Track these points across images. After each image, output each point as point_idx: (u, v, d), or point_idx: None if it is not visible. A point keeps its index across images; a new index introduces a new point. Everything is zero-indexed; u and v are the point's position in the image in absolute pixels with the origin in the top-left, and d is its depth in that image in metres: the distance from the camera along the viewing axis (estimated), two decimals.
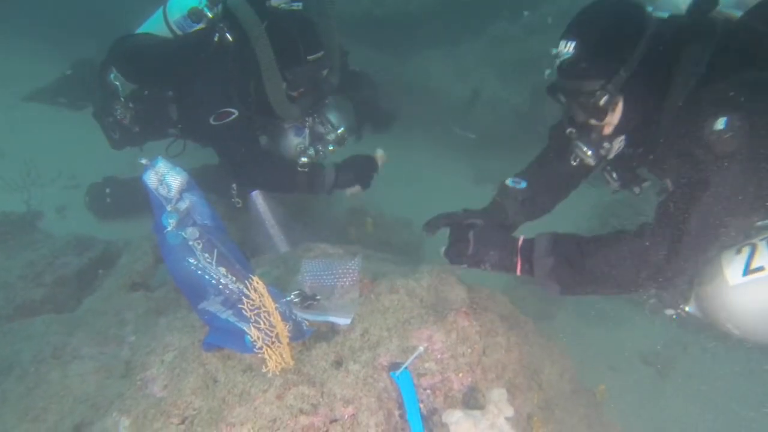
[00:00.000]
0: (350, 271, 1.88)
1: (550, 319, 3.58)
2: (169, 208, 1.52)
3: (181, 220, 1.52)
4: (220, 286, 1.51)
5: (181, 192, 1.55)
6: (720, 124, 1.44)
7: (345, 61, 3.12)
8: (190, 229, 1.52)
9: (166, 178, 1.54)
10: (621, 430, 2.16)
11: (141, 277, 2.82)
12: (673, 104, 1.62)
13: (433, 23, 5.15)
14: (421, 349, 1.57)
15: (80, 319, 2.67)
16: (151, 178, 1.55)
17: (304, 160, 2.90)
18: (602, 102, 1.65)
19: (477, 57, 5.24)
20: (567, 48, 1.65)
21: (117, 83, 3.03)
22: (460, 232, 1.91)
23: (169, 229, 1.50)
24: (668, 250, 1.56)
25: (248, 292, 1.44)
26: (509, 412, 1.37)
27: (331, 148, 3.05)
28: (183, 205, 1.53)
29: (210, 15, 2.70)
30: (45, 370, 2.26)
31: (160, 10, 2.98)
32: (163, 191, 1.53)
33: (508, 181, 2.14)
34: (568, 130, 1.84)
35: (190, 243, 1.51)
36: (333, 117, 3.13)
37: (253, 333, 1.43)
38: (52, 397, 2.11)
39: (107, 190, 4.16)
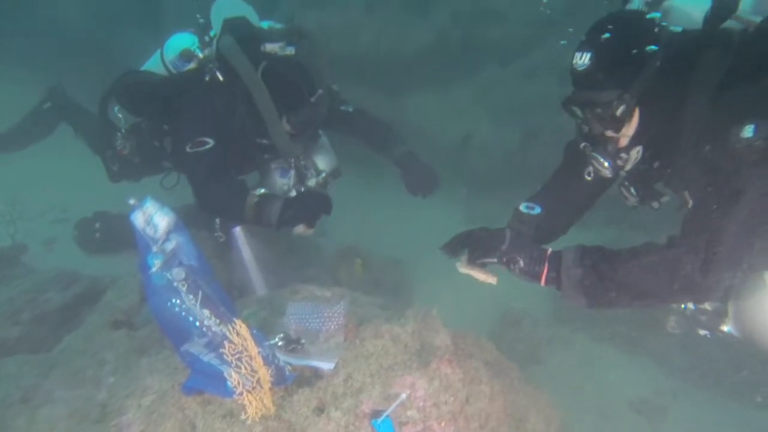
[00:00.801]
0: (336, 315, 1.87)
1: (539, 364, 3.54)
2: (155, 248, 1.52)
3: (167, 261, 1.52)
4: (204, 329, 1.50)
5: (168, 232, 1.55)
6: (748, 131, 1.41)
7: (338, 98, 3.25)
8: (175, 270, 1.52)
9: (153, 218, 1.55)
10: None
11: (125, 315, 2.77)
12: (692, 113, 1.61)
13: (426, 66, 5.30)
14: (404, 396, 1.55)
15: (56, 359, 2.60)
16: (138, 218, 1.56)
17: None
18: (619, 112, 1.65)
19: (469, 100, 5.38)
20: (582, 59, 1.66)
21: (120, 116, 3.17)
22: (493, 230, 1.86)
23: (155, 269, 1.50)
24: (703, 261, 1.50)
25: (231, 336, 1.43)
26: None
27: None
28: (169, 246, 1.53)
29: (201, 56, 2.83)
30: (11, 415, 2.17)
31: (157, 51, 3.10)
32: (150, 231, 1.54)
33: (522, 207, 2.10)
34: (583, 145, 1.83)
35: (175, 284, 1.50)
36: (318, 160, 3.20)
37: (233, 377, 1.41)
38: None
39: (97, 225, 4.15)
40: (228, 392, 1.48)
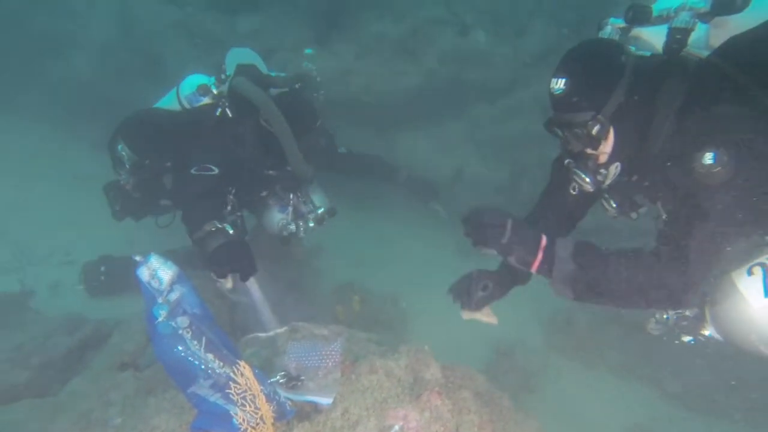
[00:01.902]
0: (333, 352, 2.00)
1: (532, 393, 3.62)
2: (160, 299, 1.66)
3: (171, 311, 1.65)
4: (209, 371, 1.62)
5: (172, 284, 1.69)
6: (708, 158, 1.55)
7: (332, 140, 3.58)
8: (180, 319, 1.65)
9: (157, 272, 1.68)
10: None
11: (131, 357, 2.87)
12: (660, 134, 1.76)
13: (416, 106, 5.54)
14: (397, 428, 1.66)
15: (63, 402, 2.67)
16: (144, 273, 1.69)
17: (285, 234, 3.23)
18: (594, 131, 1.77)
19: (458, 137, 5.60)
20: (558, 84, 1.78)
21: (123, 153, 3.35)
22: (497, 216, 1.90)
23: (160, 319, 1.63)
24: (678, 273, 1.64)
25: (235, 377, 1.56)
26: None
27: (311, 224, 3.32)
28: (173, 296, 1.67)
29: (215, 91, 3.12)
30: None
31: (175, 88, 3.37)
32: (155, 284, 1.67)
33: None
34: (567, 161, 1.95)
35: (180, 332, 1.63)
36: (316, 198, 3.42)
37: (239, 415, 1.53)
38: None
39: (102, 268, 4.28)
40: (234, 429, 1.60)
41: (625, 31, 1.98)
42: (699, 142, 1.60)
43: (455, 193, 5.53)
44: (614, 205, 2.02)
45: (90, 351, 3.23)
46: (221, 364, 1.62)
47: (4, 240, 4.87)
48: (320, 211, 3.36)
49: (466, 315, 2.14)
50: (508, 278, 2.23)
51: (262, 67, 3.40)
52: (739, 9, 1.69)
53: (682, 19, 1.76)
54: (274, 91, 3.18)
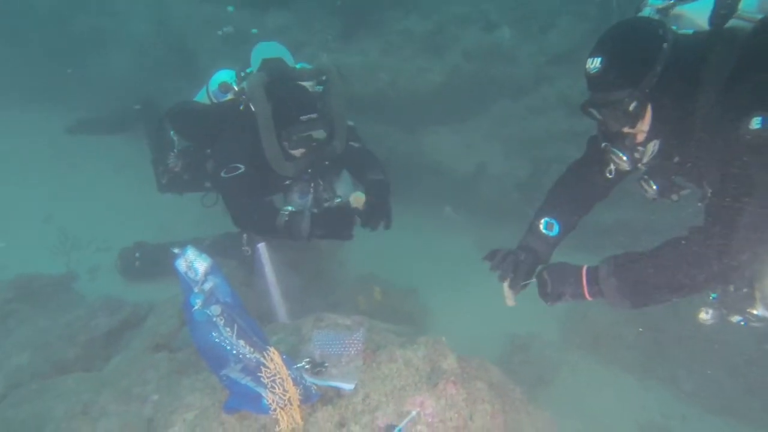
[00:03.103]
0: (355, 341, 2.13)
1: (546, 386, 3.70)
2: (196, 289, 1.81)
3: (206, 300, 1.80)
4: (240, 356, 1.77)
5: (206, 275, 1.83)
6: (756, 123, 1.45)
7: (354, 134, 3.46)
8: (213, 307, 1.80)
9: (193, 264, 1.83)
10: None
11: (165, 339, 3.07)
12: (704, 107, 1.67)
13: (441, 103, 5.61)
14: (414, 413, 1.79)
15: (107, 378, 2.89)
16: (181, 265, 1.84)
17: None
18: (631, 108, 1.74)
19: (482, 134, 5.65)
20: (594, 64, 1.77)
21: (174, 138, 3.63)
22: (538, 275, 2.02)
23: (196, 308, 1.78)
24: (718, 248, 1.59)
25: (265, 361, 1.70)
26: None
27: None
28: (207, 286, 1.82)
29: (236, 88, 3.21)
30: (76, 425, 2.48)
31: (205, 85, 3.58)
32: (191, 275, 1.82)
33: (542, 226, 2.22)
34: (604, 145, 1.93)
35: (214, 319, 1.78)
36: (340, 186, 3.48)
37: (268, 397, 1.68)
38: None
39: (137, 254, 4.51)
40: (264, 409, 1.75)
41: (664, 11, 1.90)
42: (746, 107, 1.51)
43: (478, 188, 5.60)
44: (655, 187, 1.97)
45: (128, 331, 3.45)
46: (252, 349, 1.77)
47: (51, 225, 5.17)
48: (338, 200, 3.38)
49: (508, 294, 2.19)
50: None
51: (290, 60, 3.41)
52: None
53: None
54: (303, 85, 3.22)
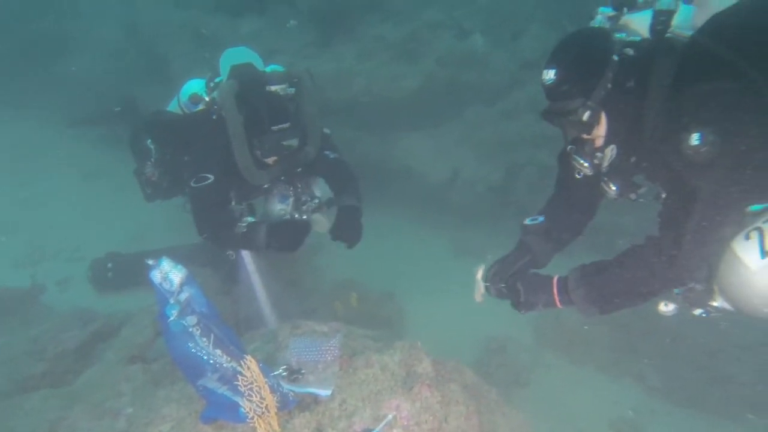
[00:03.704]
0: (332, 348, 2.15)
1: (522, 387, 3.78)
2: (171, 300, 1.80)
3: (181, 310, 1.79)
4: (217, 365, 1.77)
5: (182, 285, 1.83)
6: (695, 139, 1.56)
7: (329, 142, 3.48)
8: (189, 317, 1.79)
9: (169, 274, 1.82)
10: None
11: (140, 350, 3.02)
12: (650, 116, 1.77)
13: (414, 108, 5.67)
14: (390, 417, 1.81)
15: (78, 392, 2.82)
16: (156, 276, 1.83)
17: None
18: (585, 117, 1.83)
19: (455, 139, 5.73)
20: (548, 75, 1.86)
21: (151, 147, 3.61)
22: (510, 283, 2.12)
23: (172, 318, 1.77)
24: (669, 259, 1.73)
25: (242, 370, 1.71)
26: None
27: (306, 217, 3.40)
28: (183, 297, 1.81)
29: (206, 99, 3.21)
30: None
31: (176, 95, 3.57)
32: (166, 286, 1.81)
33: (527, 221, 2.33)
34: (569, 148, 2.02)
35: (190, 329, 1.78)
36: (315, 188, 3.51)
37: (246, 405, 1.68)
38: None
39: (109, 265, 4.43)
40: (241, 418, 1.75)
41: (614, 20, 1.99)
42: (685, 122, 1.61)
43: (452, 193, 5.68)
44: (614, 188, 2.05)
45: (101, 343, 3.38)
46: (228, 358, 1.77)
47: (16, 236, 5.03)
48: (316, 201, 3.43)
49: (480, 289, 2.26)
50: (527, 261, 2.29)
51: (260, 64, 3.38)
52: None
53: (664, 1, 1.82)
54: (274, 88, 3.18)
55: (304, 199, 3.45)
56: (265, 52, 5.53)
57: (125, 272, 4.41)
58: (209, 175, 3.02)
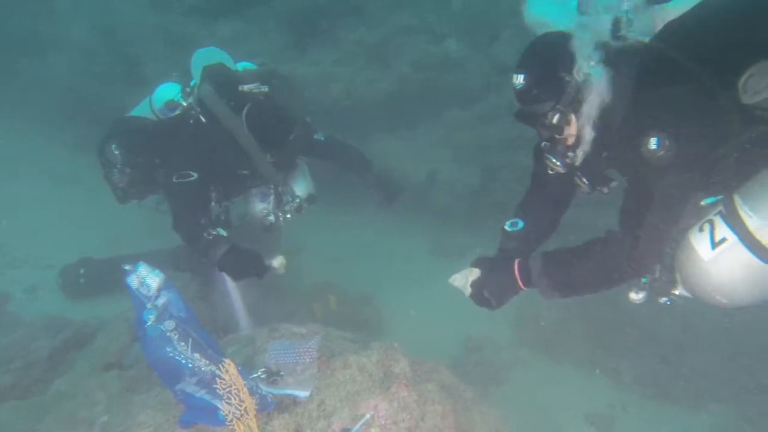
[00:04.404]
0: (310, 350, 2.16)
1: (500, 385, 3.85)
2: (149, 305, 1.79)
3: (159, 315, 1.78)
4: (195, 369, 1.76)
5: (159, 290, 1.82)
6: (653, 144, 1.67)
7: (311, 128, 3.61)
8: (167, 322, 1.78)
9: (146, 279, 1.81)
10: None
11: (115, 357, 2.97)
12: (615, 118, 1.86)
13: (392, 111, 5.71)
14: (368, 416, 1.84)
15: (48, 403, 2.76)
16: (133, 281, 1.82)
17: (269, 220, 3.47)
18: (555, 120, 1.89)
19: (433, 141, 5.79)
20: (518, 80, 1.92)
21: (116, 153, 3.48)
22: (479, 295, 2.23)
23: (149, 323, 1.76)
24: (627, 255, 1.85)
25: (220, 373, 1.71)
26: None
27: (288, 216, 3.49)
28: (161, 301, 1.80)
29: (184, 104, 3.19)
30: None
31: (147, 99, 3.46)
32: (144, 291, 1.80)
33: (507, 226, 2.37)
34: (543, 144, 2.08)
35: (168, 334, 1.77)
36: (296, 187, 3.55)
37: (224, 408, 1.68)
38: None
39: (81, 271, 4.32)
40: (220, 421, 1.74)
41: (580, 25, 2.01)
42: (643, 127, 1.70)
43: (430, 195, 5.74)
44: (586, 182, 2.12)
45: (73, 352, 3.30)
46: (207, 362, 1.77)
47: None
48: (298, 200, 3.50)
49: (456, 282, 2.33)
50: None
51: (230, 63, 3.41)
52: None
53: (622, 8, 1.85)
54: (247, 87, 3.20)
55: (285, 198, 3.50)
56: (244, 55, 5.52)
57: (98, 278, 4.32)
58: (193, 173, 3.06)
